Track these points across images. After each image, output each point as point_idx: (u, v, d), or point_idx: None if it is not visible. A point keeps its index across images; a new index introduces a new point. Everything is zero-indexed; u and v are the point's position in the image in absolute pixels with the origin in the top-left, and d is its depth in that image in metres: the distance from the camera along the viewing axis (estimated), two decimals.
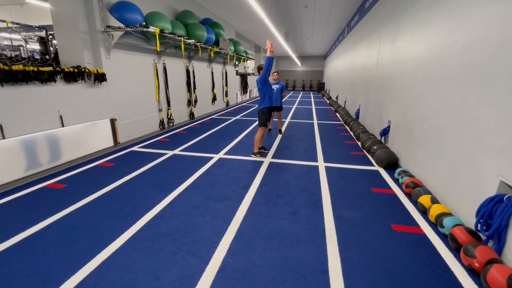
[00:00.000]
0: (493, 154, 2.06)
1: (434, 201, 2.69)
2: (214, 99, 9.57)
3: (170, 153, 4.64)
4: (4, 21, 7.38)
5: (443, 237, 2.31)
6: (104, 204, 2.81)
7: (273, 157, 4.51)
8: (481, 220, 1.97)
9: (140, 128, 5.69)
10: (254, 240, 2.23)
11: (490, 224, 1.92)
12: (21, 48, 8.73)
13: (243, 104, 12.72)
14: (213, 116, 8.78)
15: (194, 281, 1.78)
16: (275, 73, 5.87)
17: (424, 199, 2.73)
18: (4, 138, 3.19)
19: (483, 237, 2.07)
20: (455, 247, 2.12)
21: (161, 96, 6.32)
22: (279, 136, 6.01)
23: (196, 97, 8.05)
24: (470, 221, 2.24)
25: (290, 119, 8.52)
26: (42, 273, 1.84)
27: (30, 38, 9.43)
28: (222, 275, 1.84)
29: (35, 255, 2.03)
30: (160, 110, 6.32)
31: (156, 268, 1.89)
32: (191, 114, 7.88)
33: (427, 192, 2.87)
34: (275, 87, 5.68)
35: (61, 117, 3.92)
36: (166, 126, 6.61)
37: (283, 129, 6.81)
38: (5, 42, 9.71)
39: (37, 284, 1.75)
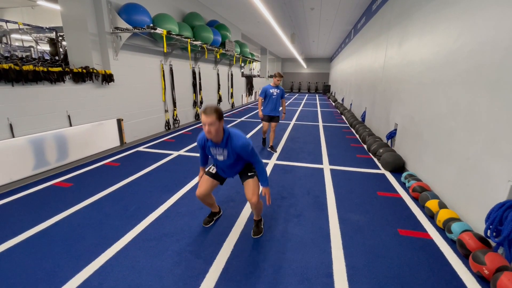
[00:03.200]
0: (504, 158, 2.01)
1: (442, 205, 2.64)
2: (219, 100, 9.61)
3: (175, 153, 4.67)
4: (16, 22, 7.56)
5: (451, 243, 2.26)
6: (109, 203, 2.84)
7: (278, 159, 4.49)
8: (491, 226, 1.92)
9: (146, 128, 5.74)
10: (258, 242, 2.22)
11: (500, 230, 1.87)
12: (32, 49, 8.91)
13: (249, 105, 12.74)
14: None
15: (198, 282, 1.78)
16: (277, 75, 4.63)
17: (432, 204, 2.68)
18: (13, 137, 3.25)
19: (493, 244, 2.02)
20: (464, 254, 2.07)
21: (167, 97, 6.37)
22: (284, 138, 5.99)
23: (201, 98, 8.09)
24: (479, 227, 2.19)
25: (296, 121, 8.49)
26: (48, 271, 1.86)
27: (41, 39, 9.63)
28: (226, 277, 1.83)
29: (41, 252, 2.05)
30: (166, 111, 6.37)
31: (160, 268, 1.89)
32: (197, 115, 7.92)
33: (435, 196, 2.82)
34: (274, 91, 4.66)
35: (69, 116, 3.97)
36: (171, 126, 6.65)
37: (279, 146, 5.27)
38: (17, 43, 9.93)
39: (42, 281, 1.76)
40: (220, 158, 2.07)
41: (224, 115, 9.32)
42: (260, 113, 4.80)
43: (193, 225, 2.45)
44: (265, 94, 4.65)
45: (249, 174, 2.17)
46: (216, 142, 1.99)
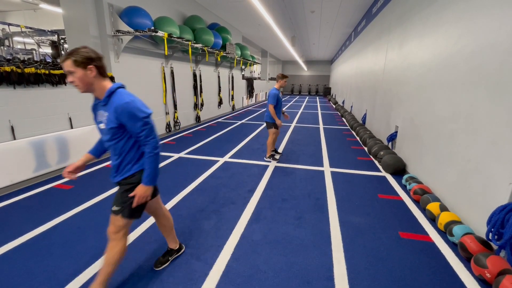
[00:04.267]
0: (505, 160, 2.01)
1: (443, 208, 2.63)
2: (220, 102, 9.63)
3: (175, 156, 4.67)
4: (18, 25, 7.62)
5: (453, 246, 2.25)
6: (110, 206, 2.82)
7: (279, 161, 4.49)
8: (492, 229, 1.91)
9: None
10: (258, 245, 2.21)
11: (502, 233, 1.87)
12: (34, 51, 8.96)
13: (249, 108, 12.76)
14: (219, 120, 8.82)
15: (198, 285, 1.77)
16: (282, 76, 4.27)
17: (433, 207, 2.67)
18: (15, 139, 3.26)
19: (495, 247, 2.01)
20: (465, 257, 2.06)
21: (168, 99, 6.38)
22: (285, 140, 5.99)
23: (202, 100, 8.11)
24: (481, 230, 2.18)
25: (296, 123, 8.50)
26: (48, 273, 1.85)
27: (43, 42, 9.70)
28: (226, 280, 1.82)
29: (41, 255, 2.05)
30: (167, 113, 6.38)
31: (160, 271, 1.89)
32: (197, 118, 7.93)
33: (436, 199, 2.81)
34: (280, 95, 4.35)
35: (70, 119, 3.99)
36: (172, 129, 6.66)
37: (280, 148, 5.19)
38: (19, 46, 9.99)
39: (42, 284, 1.76)
40: (102, 126, 1.53)
41: (224, 117, 9.40)
42: (279, 122, 4.21)
43: (193, 228, 2.44)
44: (278, 99, 4.17)
45: (113, 209, 1.62)
46: (98, 97, 1.50)
